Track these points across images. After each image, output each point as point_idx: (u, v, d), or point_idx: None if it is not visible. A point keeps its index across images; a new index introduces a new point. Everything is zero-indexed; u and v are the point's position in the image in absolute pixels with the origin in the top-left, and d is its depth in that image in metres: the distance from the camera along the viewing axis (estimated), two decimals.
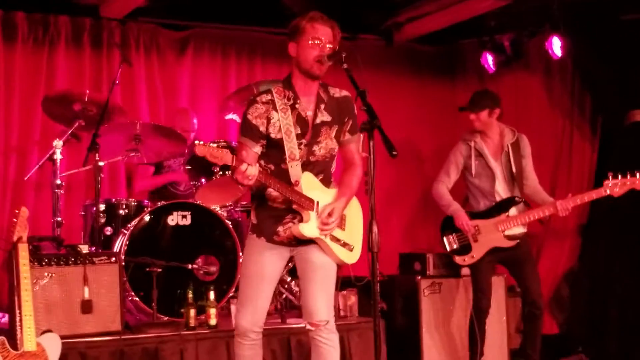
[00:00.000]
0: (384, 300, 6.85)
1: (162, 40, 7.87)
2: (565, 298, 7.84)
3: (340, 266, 4.66)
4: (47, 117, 6.83)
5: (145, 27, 7.78)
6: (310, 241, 4.48)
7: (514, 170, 6.37)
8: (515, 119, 7.06)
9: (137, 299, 5.98)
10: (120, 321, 5.56)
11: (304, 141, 4.47)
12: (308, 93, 4.50)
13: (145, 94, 7.74)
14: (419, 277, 6.74)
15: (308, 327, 4.50)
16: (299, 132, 4.46)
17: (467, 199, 6.58)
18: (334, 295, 4.60)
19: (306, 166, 4.47)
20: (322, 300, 4.47)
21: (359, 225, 4.67)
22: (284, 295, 6.57)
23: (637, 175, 6.14)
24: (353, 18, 7.97)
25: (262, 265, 4.53)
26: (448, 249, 6.43)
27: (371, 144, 4.02)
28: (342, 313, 6.36)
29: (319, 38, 4.40)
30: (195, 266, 6.18)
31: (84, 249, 5.67)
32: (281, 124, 4.43)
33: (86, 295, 5.45)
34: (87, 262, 5.51)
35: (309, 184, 4.46)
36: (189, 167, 6.68)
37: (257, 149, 4.46)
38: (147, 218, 6.17)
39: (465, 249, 6.36)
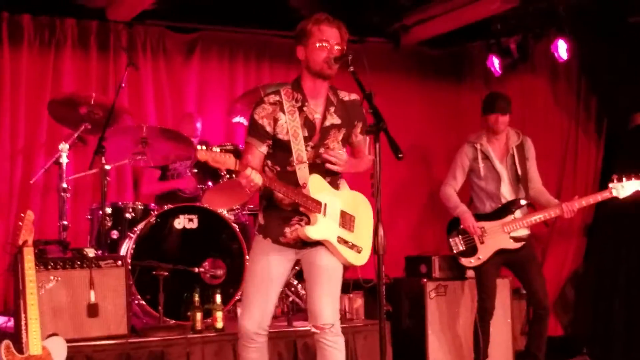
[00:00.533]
0: (390, 302, 6.85)
1: (169, 43, 7.88)
2: (570, 300, 7.84)
3: (347, 268, 4.64)
4: (53, 121, 6.85)
5: (152, 30, 7.79)
6: (317, 243, 4.48)
7: (519, 172, 6.37)
8: (521, 121, 7.06)
9: (143, 302, 5.98)
10: (126, 325, 5.56)
11: (310, 143, 4.47)
12: (317, 95, 4.51)
13: (152, 97, 7.75)
14: (425, 280, 6.74)
15: (313, 330, 4.49)
16: (306, 134, 4.46)
17: (471, 201, 6.58)
18: (339, 298, 4.59)
19: (313, 168, 4.47)
20: (327, 304, 4.46)
21: (368, 227, 4.64)
22: (291, 298, 6.57)
23: None
24: (360, 21, 7.97)
25: (268, 267, 4.53)
26: (454, 250, 6.42)
27: (377, 146, 4.02)
28: (348, 316, 6.36)
29: (327, 40, 4.41)
30: (201, 269, 6.17)
31: (90, 252, 5.67)
32: (288, 126, 4.44)
33: (92, 299, 5.45)
34: (93, 265, 5.51)
35: (317, 186, 4.45)
36: (196, 171, 6.71)
37: (263, 148, 4.47)
38: (153, 221, 6.17)
39: (471, 250, 6.36)
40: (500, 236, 6.30)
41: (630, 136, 7.57)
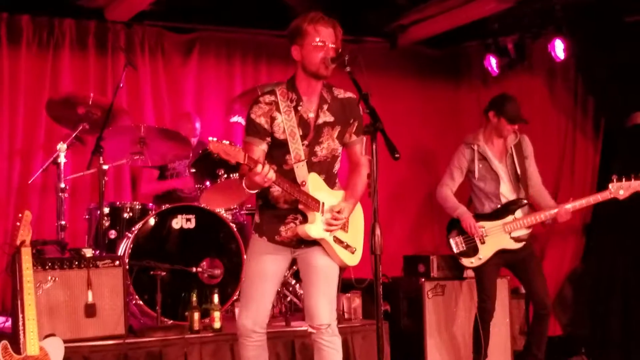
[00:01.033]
0: (388, 302, 6.86)
1: (167, 43, 7.88)
2: (568, 299, 7.84)
3: (343, 268, 4.65)
4: (51, 121, 6.84)
5: (150, 30, 7.80)
6: (312, 243, 4.49)
7: (518, 171, 6.37)
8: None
9: (141, 302, 5.99)
10: (124, 325, 5.57)
11: (305, 142, 4.48)
12: (311, 94, 4.51)
13: (150, 97, 7.75)
14: (423, 279, 6.74)
15: (310, 330, 4.50)
16: (302, 133, 4.47)
17: (470, 201, 6.59)
18: (336, 298, 4.60)
19: (308, 167, 4.48)
20: (323, 304, 4.47)
21: (360, 228, 4.68)
22: (289, 298, 6.58)
23: None
24: (357, 21, 7.98)
25: (264, 265, 4.55)
26: (455, 250, 6.41)
27: (374, 146, 4.03)
28: (346, 315, 6.36)
29: (323, 40, 4.40)
30: (199, 269, 6.18)
31: (88, 252, 5.67)
32: (285, 125, 4.45)
33: (90, 299, 5.45)
34: (91, 265, 5.52)
35: (315, 185, 4.47)
36: (194, 170, 6.71)
37: (264, 146, 4.48)
38: (151, 221, 6.18)
39: (472, 250, 6.35)
40: (501, 236, 6.30)
41: (628, 135, 7.59)
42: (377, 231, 4.01)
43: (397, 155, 3.93)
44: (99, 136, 6.17)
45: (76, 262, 5.49)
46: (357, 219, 4.68)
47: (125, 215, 6.47)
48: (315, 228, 4.44)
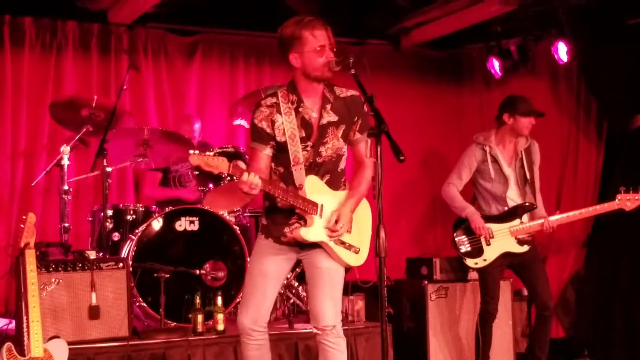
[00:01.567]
0: (391, 304, 6.85)
1: (170, 45, 7.89)
2: (571, 302, 7.85)
3: (348, 270, 4.65)
4: (54, 123, 6.85)
5: (153, 33, 7.80)
6: (317, 245, 4.49)
7: (527, 176, 6.39)
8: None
9: (144, 304, 5.98)
10: (127, 327, 5.57)
11: (309, 143, 4.49)
12: (312, 95, 4.52)
13: (153, 100, 7.75)
14: (426, 282, 6.74)
15: (315, 331, 4.52)
16: (304, 135, 4.48)
17: (474, 200, 6.58)
18: (341, 300, 4.60)
19: (313, 168, 4.49)
20: (328, 306, 4.48)
21: (366, 228, 4.66)
22: (292, 301, 6.58)
23: None
24: (361, 23, 7.99)
25: (266, 264, 4.56)
26: (460, 250, 6.41)
27: (379, 148, 4.02)
28: (349, 318, 6.36)
29: (322, 43, 4.41)
30: (203, 272, 6.18)
31: (92, 254, 5.68)
32: (285, 127, 4.46)
33: (93, 301, 5.46)
34: (95, 267, 5.52)
35: (314, 188, 4.47)
36: (197, 173, 6.70)
37: (268, 150, 4.50)
38: (154, 223, 6.17)
39: (477, 251, 6.36)
40: (507, 239, 6.31)
41: (631, 138, 7.58)
42: (382, 234, 4.01)
43: (402, 158, 3.93)
44: (102, 138, 6.17)
45: (80, 264, 5.49)
46: (363, 218, 4.66)
47: (129, 217, 6.47)
48: (313, 231, 4.45)
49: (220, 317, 5.84)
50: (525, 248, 6.32)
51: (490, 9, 7.45)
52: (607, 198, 6.54)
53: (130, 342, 5.48)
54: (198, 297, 5.87)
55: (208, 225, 6.31)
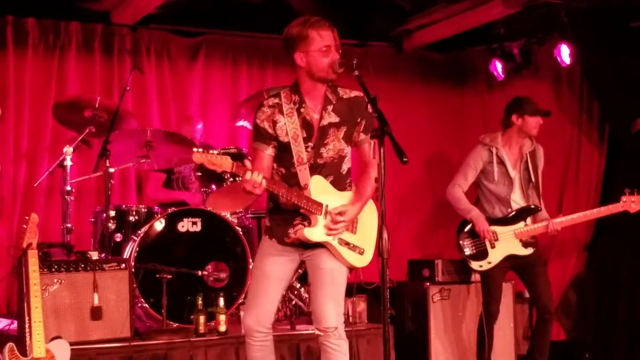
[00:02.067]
0: (393, 306, 6.87)
1: (173, 47, 7.89)
2: (572, 304, 7.84)
3: (351, 271, 4.65)
4: (57, 124, 6.86)
5: (157, 34, 7.80)
6: (320, 245, 4.50)
7: (532, 178, 6.39)
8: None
9: (146, 305, 5.98)
10: (129, 328, 5.57)
11: (310, 144, 4.49)
12: (315, 96, 4.52)
13: (156, 101, 7.76)
14: (428, 284, 6.75)
15: (317, 332, 4.52)
16: (305, 135, 4.48)
17: (477, 201, 6.58)
18: (343, 301, 4.60)
19: (314, 169, 4.49)
20: (330, 307, 4.47)
21: (372, 229, 4.65)
22: (294, 302, 6.58)
23: None
24: (363, 25, 7.99)
25: (269, 265, 4.56)
26: (465, 253, 6.41)
27: (382, 150, 4.02)
28: (351, 319, 6.36)
29: (328, 44, 4.41)
30: (205, 273, 6.18)
31: (94, 255, 5.69)
32: (288, 128, 4.47)
33: (96, 302, 5.46)
34: (97, 268, 5.52)
35: (319, 188, 4.47)
36: (200, 174, 6.71)
37: (270, 150, 4.51)
38: (157, 224, 6.18)
39: (481, 254, 6.36)
40: (512, 242, 6.31)
41: (633, 140, 7.58)
42: (385, 235, 4.01)
43: (405, 159, 3.93)
44: (105, 139, 6.17)
45: (82, 265, 5.50)
46: (369, 219, 4.66)
47: (131, 218, 6.47)
48: (317, 231, 4.45)
49: (222, 318, 5.83)
50: (530, 250, 6.33)
51: (493, 11, 7.45)
52: (609, 201, 6.55)
53: (132, 343, 5.48)
54: (200, 298, 5.87)
55: (210, 226, 6.31)
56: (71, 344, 4.92)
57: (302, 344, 5.91)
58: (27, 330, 4.72)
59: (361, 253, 4.59)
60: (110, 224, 6.24)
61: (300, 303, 6.66)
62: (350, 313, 6.36)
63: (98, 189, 7.25)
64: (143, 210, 6.56)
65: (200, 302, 5.86)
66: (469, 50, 8.81)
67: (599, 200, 7.73)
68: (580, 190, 7.95)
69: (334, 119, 4.52)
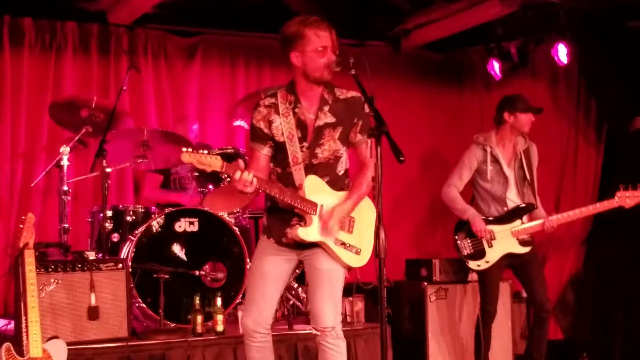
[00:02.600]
0: (390, 306, 6.85)
1: (170, 46, 7.88)
2: (570, 303, 7.84)
3: (350, 271, 4.64)
4: (54, 124, 6.85)
5: (153, 34, 7.80)
6: (316, 245, 4.49)
7: (527, 176, 6.39)
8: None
9: (144, 305, 5.97)
10: (127, 328, 5.57)
11: (305, 144, 4.48)
12: (310, 96, 4.52)
13: (153, 101, 7.75)
14: (425, 283, 6.74)
15: (314, 332, 4.51)
16: (300, 135, 4.48)
17: (473, 200, 6.58)
18: (341, 301, 4.59)
19: (310, 169, 4.49)
20: (327, 307, 4.47)
21: (369, 228, 4.61)
22: (291, 302, 6.57)
23: None
24: (361, 25, 7.99)
25: (266, 265, 4.55)
26: (464, 253, 6.40)
27: (379, 149, 4.02)
28: (348, 319, 6.35)
29: (324, 44, 4.40)
30: (202, 273, 6.17)
31: (91, 255, 5.68)
32: (283, 127, 4.47)
33: (93, 302, 5.45)
34: (94, 268, 5.52)
35: (313, 187, 4.46)
36: (197, 174, 6.70)
37: (266, 150, 4.52)
38: (154, 224, 6.17)
39: (479, 254, 6.35)
40: (509, 240, 6.31)
41: (630, 140, 7.59)
42: (382, 235, 4.00)
43: (402, 159, 3.93)
44: (102, 139, 6.16)
45: (79, 265, 5.49)
46: (366, 218, 4.63)
47: (128, 218, 6.47)
48: (312, 231, 4.44)
49: (219, 318, 5.83)
50: (527, 249, 6.33)
51: (490, 11, 7.45)
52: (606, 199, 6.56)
53: (129, 343, 5.47)
54: (197, 298, 5.86)
55: (208, 226, 6.30)
56: (68, 344, 4.91)
57: (299, 344, 5.90)
58: (23, 330, 4.71)
59: (358, 253, 4.57)
60: (107, 224, 6.24)
61: (298, 303, 6.65)
62: (348, 313, 6.36)
63: (95, 189, 7.25)
64: (140, 210, 6.56)
65: (197, 302, 5.85)
66: (467, 50, 8.81)
67: (596, 199, 7.69)
68: (577, 189, 7.95)
69: (330, 119, 4.51)
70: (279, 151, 4.51)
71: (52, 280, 5.36)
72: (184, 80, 7.94)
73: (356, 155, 4.65)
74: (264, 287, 4.54)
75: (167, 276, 5.88)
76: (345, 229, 4.54)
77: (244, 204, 6.75)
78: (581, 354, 7.44)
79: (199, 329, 5.78)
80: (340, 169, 4.59)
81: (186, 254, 6.20)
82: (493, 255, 6.31)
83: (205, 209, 6.38)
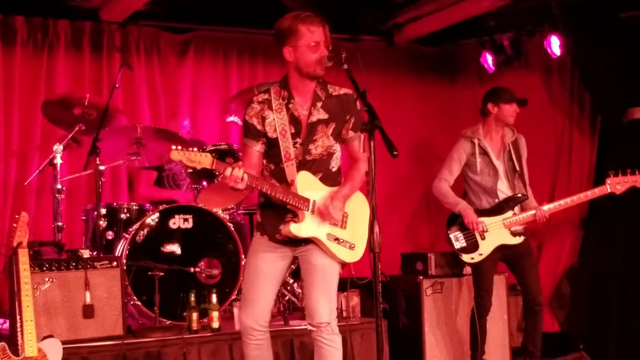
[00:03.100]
0: (387, 300, 6.86)
1: (163, 43, 7.86)
2: (566, 296, 7.84)
3: (344, 266, 4.64)
4: (47, 122, 6.83)
5: (146, 31, 7.77)
6: (311, 241, 4.49)
7: (516, 167, 6.40)
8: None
9: (139, 303, 5.96)
10: (122, 325, 5.56)
11: (298, 140, 4.49)
12: (303, 92, 4.52)
13: (146, 98, 7.73)
14: (421, 277, 6.74)
15: (310, 328, 4.52)
16: (293, 131, 4.48)
17: (465, 195, 6.58)
18: (336, 296, 4.59)
19: (303, 165, 4.49)
20: (322, 302, 4.47)
21: (363, 224, 4.63)
22: (287, 297, 6.57)
23: (638, 173, 6.28)
24: (354, 19, 7.98)
25: (262, 263, 4.56)
26: (457, 246, 6.40)
27: (372, 144, 4.02)
28: (344, 314, 6.35)
29: (317, 40, 4.40)
30: (197, 269, 6.16)
31: (85, 253, 5.66)
32: (276, 123, 4.47)
33: (88, 300, 5.45)
34: (89, 266, 5.51)
35: (306, 183, 4.47)
36: (191, 171, 6.69)
37: (259, 147, 4.52)
38: (148, 222, 6.16)
39: (472, 247, 6.35)
40: (501, 232, 6.31)
41: (624, 131, 7.58)
42: (376, 229, 4.00)
43: (395, 153, 3.93)
44: (95, 137, 6.15)
45: (73, 263, 5.48)
46: (360, 214, 4.65)
47: (122, 216, 6.45)
48: (304, 227, 4.45)
49: (215, 314, 5.82)
50: (520, 239, 6.33)
51: (483, 3, 7.45)
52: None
53: (125, 341, 5.46)
54: (193, 295, 5.85)
55: (202, 223, 6.29)
56: (63, 342, 4.90)
57: (295, 340, 5.90)
58: (18, 329, 4.70)
59: (352, 248, 4.58)
60: (101, 222, 6.22)
61: (293, 298, 6.65)
62: (343, 307, 6.36)
63: (89, 187, 7.21)
64: (134, 207, 6.54)
65: (192, 299, 5.85)
66: (460, 43, 8.81)
67: None
68: (572, 181, 7.95)
69: (323, 115, 4.52)
70: (272, 147, 4.51)
71: (47, 279, 5.35)
72: (177, 76, 7.92)
73: (348, 152, 4.65)
74: (259, 284, 4.55)
75: (162, 273, 5.87)
76: (338, 225, 4.54)
77: (238, 200, 6.74)
78: (578, 346, 7.43)
79: (195, 326, 5.77)
80: (334, 165, 4.59)
81: (181, 251, 6.18)
82: (486, 247, 6.31)
83: (200, 205, 6.37)
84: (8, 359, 4.58)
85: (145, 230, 6.12)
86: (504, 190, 6.40)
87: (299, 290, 6.60)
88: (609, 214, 7.45)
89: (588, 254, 7.82)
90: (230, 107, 7.33)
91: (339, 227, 4.54)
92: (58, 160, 6.26)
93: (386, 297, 6.82)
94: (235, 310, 5.89)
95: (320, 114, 4.51)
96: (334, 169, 4.60)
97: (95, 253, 6.01)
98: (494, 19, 7.79)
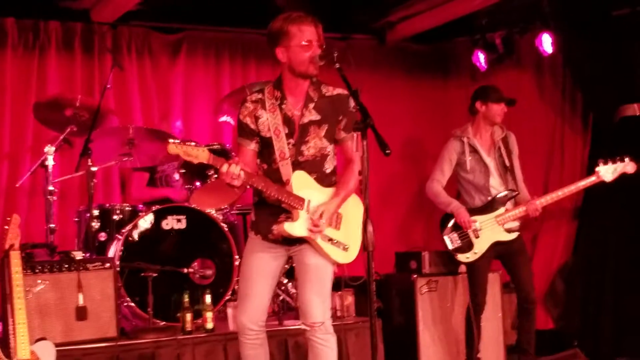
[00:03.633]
0: (381, 299, 6.84)
1: (155, 43, 7.84)
2: (560, 293, 7.85)
3: (338, 266, 4.64)
4: (38, 123, 6.80)
5: (137, 31, 7.75)
6: (304, 241, 4.48)
7: (507, 164, 6.41)
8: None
9: (132, 304, 5.95)
10: (116, 327, 5.55)
11: (292, 141, 4.50)
12: (296, 93, 4.52)
13: (138, 98, 7.70)
14: (415, 276, 6.73)
15: (304, 327, 4.52)
16: (287, 131, 4.48)
17: (459, 195, 6.59)
18: (330, 296, 4.58)
19: (296, 166, 4.49)
20: (316, 302, 4.47)
21: (356, 225, 4.62)
22: (281, 297, 6.56)
23: (626, 159, 6.34)
24: (345, 18, 7.97)
25: (258, 263, 4.56)
26: (450, 247, 6.40)
27: (364, 142, 4.02)
28: (339, 313, 6.34)
29: (308, 40, 4.40)
30: (191, 270, 6.15)
31: (78, 255, 5.65)
32: (270, 123, 4.47)
33: (81, 302, 5.43)
34: (81, 268, 5.49)
35: (301, 183, 4.47)
36: (183, 171, 6.68)
37: (253, 146, 4.53)
38: (141, 223, 6.14)
39: (467, 246, 6.35)
40: (495, 229, 6.32)
41: (616, 129, 7.59)
42: (370, 228, 4.00)
43: (388, 151, 3.93)
44: (87, 138, 6.13)
45: (66, 265, 5.47)
46: (353, 215, 4.64)
47: (115, 217, 6.42)
48: (299, 226, 4.44)
49: (209, 315, 5.82)
50: (514, 235, 6.34)
51: (474, 1, 7.46)
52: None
53: (118, 343, 5.46)
54: (186, 296, 5.85)
55: (195, 223, 6.28)
56: (57, 345, 4.87)
57: (289, 339, 5.90)
58: (11, 332, 4.68)
59: (345, 249, 4.58)
60: (94, 223, 6.19)
61: (287, 298, 6.64)
62: (338, 307, 6.35)
63: (81, 189, 7.18)
64: (127, 208, 6.51)
65: (186, 299, 5.84)
66: (452, 42, 8.81)
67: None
68: (564, 179, 7.91)
69: (315, 116, 4.52)
70: (266, 147, 4.51)
71: (39, 281, 5.34)
72: (168, 77, 7.90)
73: (341, 153, 4.65)
74: (254, 284, 4.54)
75: (155, 274, 5.86)
76: (332, 225, 4.53)
77: (232, 200, 6.72)
78: (572, 343, 7.44)
79: (189, 326, 5.77)
80: (328, 166, 4.59)
81: (174, 252, 6.16)
82: (481, 245, 6.31)
83: (193, 206, 6.35)
84: None
85: (139, 231, 6.11)
86: (496, 186, 6.40)
87: (294, 290, 6.59)
88: (602, 211, 7.45)
89: (581, 250, 7.83)
90: (222, 107, 7.32)
91: (333, 228, 4.54)
92: (50, 162, 6.24)
93: (380, 296, 6.80)
94: (229, 311, 5.88)
95: (312, 115, 4.50)
96: (328, 171, 4.59)
97: (88, 255, 5.98)
98: (486, 17, 7.80)
